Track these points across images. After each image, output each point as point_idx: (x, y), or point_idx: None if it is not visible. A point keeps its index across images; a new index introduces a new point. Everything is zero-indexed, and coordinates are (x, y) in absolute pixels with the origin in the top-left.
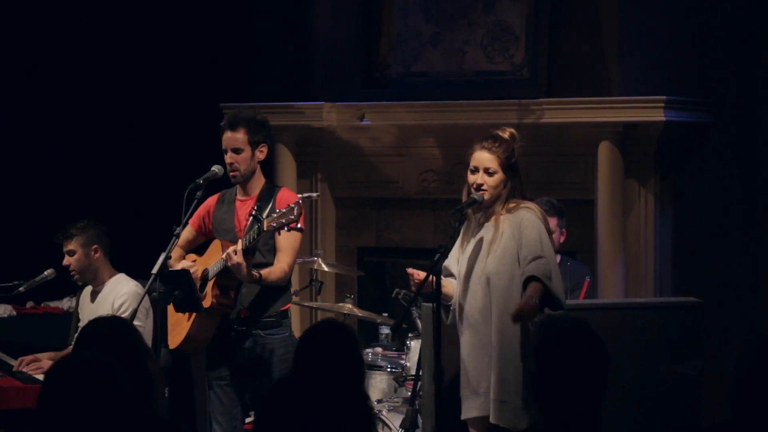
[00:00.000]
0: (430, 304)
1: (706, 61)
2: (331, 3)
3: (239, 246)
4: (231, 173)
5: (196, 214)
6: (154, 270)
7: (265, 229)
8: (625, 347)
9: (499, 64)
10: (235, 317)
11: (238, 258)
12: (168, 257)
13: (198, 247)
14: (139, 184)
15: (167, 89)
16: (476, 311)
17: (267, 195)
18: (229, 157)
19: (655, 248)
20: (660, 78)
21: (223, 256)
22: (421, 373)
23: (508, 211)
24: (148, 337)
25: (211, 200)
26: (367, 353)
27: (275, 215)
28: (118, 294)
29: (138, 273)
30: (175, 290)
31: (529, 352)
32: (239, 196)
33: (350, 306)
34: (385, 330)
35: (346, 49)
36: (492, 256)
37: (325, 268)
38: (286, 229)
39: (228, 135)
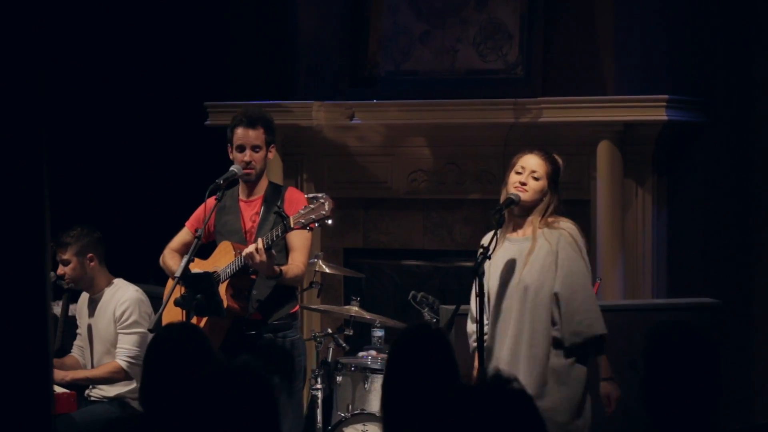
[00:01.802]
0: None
1: (700, 60)
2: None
3: (260, 244)
4: (246, 171)
5: (194, 217)
6: (177, 273)
7: (292, 226)
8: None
9: (492, 62)
10: (246, 320)
11: (260, 256)
12: (191, 260)
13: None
14: (122, 184)
15: (151, 88)
16: (511, 326)
17: (273, 195)
18: (247, 155)
19: (652, 248)
20: (655, 77)
21: (244, 253)
22: None
23: (547, 225)
24: None
25: (209, 203)
26: (364, 356)
27: (302, 212)
28: (119, 301)
29: (123, 274)
30: (197, 294)
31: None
32: (242, 197)
33: (357, 308)
34: (378, 333)
35: (333, 47)
36: (527, 270)
37: (327, 270)
38: (316, 225)
39: (248, 132)
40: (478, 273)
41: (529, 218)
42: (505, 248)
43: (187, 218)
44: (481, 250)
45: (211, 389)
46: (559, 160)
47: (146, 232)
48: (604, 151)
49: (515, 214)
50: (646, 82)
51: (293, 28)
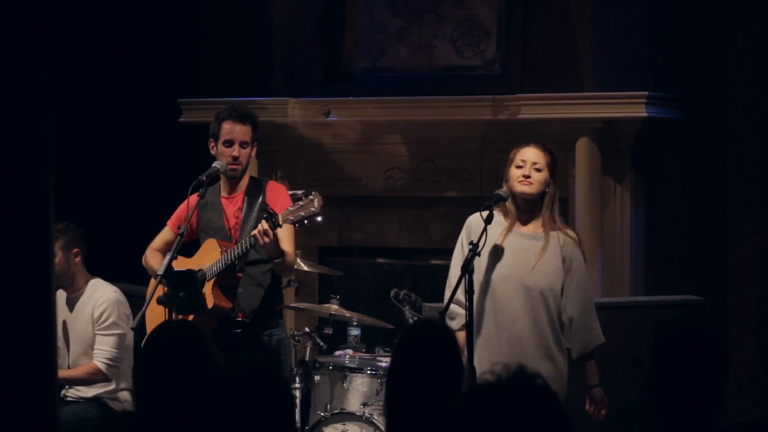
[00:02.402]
0: (433, 305)
1: (678, 56)
2: None
3: (266, 225)
4: (233, 166)
5: (175, 215)
6: (160, 271)
7: (281, 224)
8: (625, 347)
9: (470, 59)
10: (232, 318)
11: (269, 237)
12: (174, 257)
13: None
14: (94, 181)
15: (122, 85)
16: (511, 319)
17: (255, 190)
18: (236, 150)
19: (630, 245)
20: (633, 73)
21: (252, 233)
22: None
23: (558, 228)
24: (130, 344)
25: (192, 200)
26: (341, 355)
27: (291, 209)
28: (98, 302)
29: (93, 272)
30: (180, 292)
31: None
32: (224, 194)
33: (337, 306)
34: (354, 331)
35: (308, 43)
36: (536, 270)
37: (305, 268)
38: (306, 222)
39: (237, 128)
40: (468, 270)
41: (539, 213)
42: (511, 242)
43: (160, 215)
44: (470, 246)
45: (227, 389)
46: (554, 152)
47: (118, 230)
48: (582, 148)
49: (521, 208)
50: (624, 78)
51: (268, 24)
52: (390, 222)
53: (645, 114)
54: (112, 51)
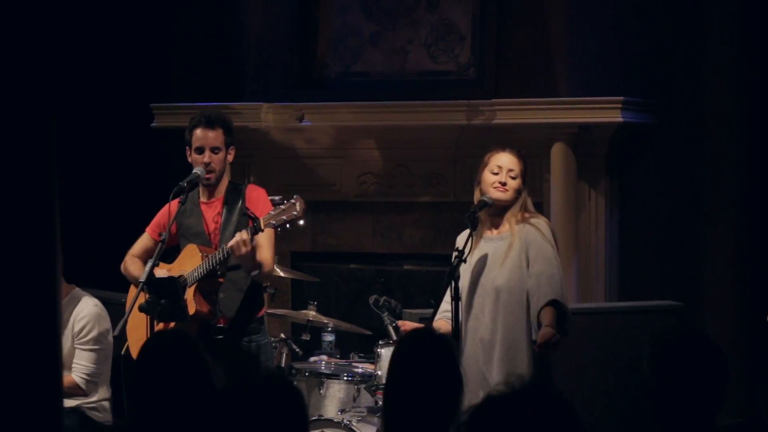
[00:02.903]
0: (413, 312)
1: (651, 61)
2: None
3: (245, 235)
4: (207, 175)
5: (155, 221)
6: (142, 278)
7: (263, 228)
8: (605, 353)
9: (444, 64)
10: (213, 324)
11: (247, 247)
12: (155, 264)
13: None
14: (68, 187)
15: (96, 89)
16: (484, 326)
17: (234, 195)
18: (207, 157)
19: (605, 250)
20: (607, 78)
21: (230, 244)
22: None
23: (523, 220)
24: (110, 354)
25: (173, 206)
26: (318, 361)
27: (273, 213)
28: (78, 316)
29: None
30: (161, 299)
31: (544, 371)
32: (203, 199)
33: (314, 312)
34: (329, 337)
35: (281, 48)
36: (502, 270)
37: (281, 274)
38: (288, 226)
39: (206, 134)
40: (454, 276)
41: (506, 216)
42: (480, 247)
43: (133, 220)
44: (455, 253)
45: (243, 400)
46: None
47: (90, 236)
48: (558, 153)
49: (491, 213)
50: (598, 83)
51: (241, 29)
52: (363, 227)
53: (620, 119)
54: (84, 55)
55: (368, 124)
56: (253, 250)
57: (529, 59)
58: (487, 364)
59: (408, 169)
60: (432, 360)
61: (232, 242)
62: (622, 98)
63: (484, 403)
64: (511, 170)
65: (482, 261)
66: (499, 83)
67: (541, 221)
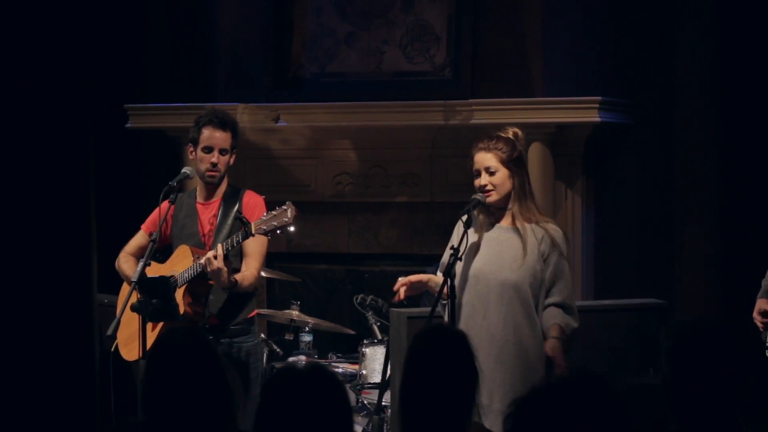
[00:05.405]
0: (401, 311)
1: (625, 62)
2: None
3: (220, 251)
4: (210, 173)
5: (149, 219)
6: (134, 278)
7: (254, 233)
8: (588, 352)
9: (420, 64)
10: (203, 325)
11: (218, 263)
12: (147, 264)
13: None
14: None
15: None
16: (483, 313)
17: (231, 198)
18: (215, 157)
19: (582, 250)
20: (582, 78)
21: (202, 260)
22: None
23: (529, 221)
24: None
25: (164, 205)
26: (298, 362)
27: (264, 218)
28: None
29: None
30: (153, 299)
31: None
32: (200, 200)
33: (298, 312)
34: (307, 338)
35: (256, 48)
36: (515, 266)
37: (264, 274)
38: (278, 232)
39: (217, 134)
40: (450, 275)
41: (510, 209)
42: (489, 236)
43: (107, 220)
44: (450, 251)
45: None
46: (510, 134)
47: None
48: (535, 153)
49: (492, 211)
50: (574, 83)
51: (214, 29)
52: (339, 228)
53: (598, 119)
54: (56, 55)
55: (344, 125)
56: (228, 265)
57: (505, 59)
58: (499, 364)
59: (384, 169)
60: (448, 355)
61: (204, 257)
62: (599, 98)
63: (530, 394)
64: (488, 168)
65: (487, 248)
66: (475, 83)
67: (558, 233)
